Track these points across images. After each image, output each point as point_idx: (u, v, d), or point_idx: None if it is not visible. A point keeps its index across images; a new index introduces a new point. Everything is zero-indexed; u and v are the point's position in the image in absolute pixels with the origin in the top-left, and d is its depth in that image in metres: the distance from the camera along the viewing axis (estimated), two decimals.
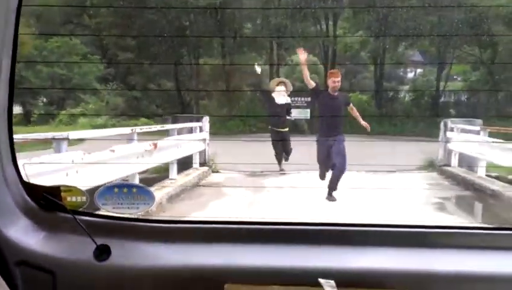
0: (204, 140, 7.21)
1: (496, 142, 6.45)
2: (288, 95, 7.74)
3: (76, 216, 1.14)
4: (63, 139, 4.26)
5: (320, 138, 6.10)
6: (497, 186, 6.03)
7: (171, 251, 1.13)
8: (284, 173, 6.92)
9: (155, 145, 5.65)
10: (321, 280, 1.03)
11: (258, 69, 8.57)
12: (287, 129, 7.80)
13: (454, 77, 19.72)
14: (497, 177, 6.50)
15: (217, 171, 7.12)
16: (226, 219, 1.24)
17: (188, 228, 1.21)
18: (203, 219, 1.23)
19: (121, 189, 1.20)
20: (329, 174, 5.93)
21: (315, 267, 1.08)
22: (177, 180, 6.40)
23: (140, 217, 1.20)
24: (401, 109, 16.44)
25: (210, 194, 5.77)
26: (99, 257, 1.10)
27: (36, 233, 1.13)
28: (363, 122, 6.18)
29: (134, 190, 1.20)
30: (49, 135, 4.47)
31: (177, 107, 18.47)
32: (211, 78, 18.74)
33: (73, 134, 4.64)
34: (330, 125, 5.90)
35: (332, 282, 1.03)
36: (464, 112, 16.43)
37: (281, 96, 7.39)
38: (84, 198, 1.16)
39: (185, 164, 6.61)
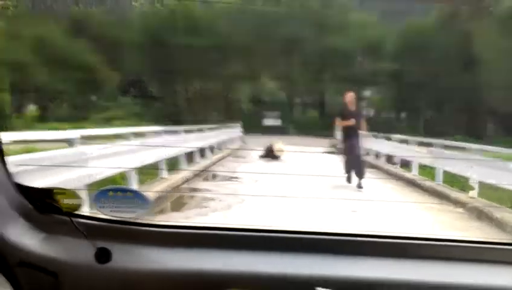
0: (241, 131, 14.54)
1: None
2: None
3: (73, 218, 1.06)
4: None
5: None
6: None
7: (171, 255, 1.06)
8: None
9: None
10: (319, 289, 0.99)
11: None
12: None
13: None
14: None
15: (246, 144, 14.49)
16: (225, 225, 1.18)
17: (187, 233, 1.14)
18: (203, 225, 1.19)
19: (116, 193, 1.11)
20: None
21: (313, 275, 1.02)
22: (235, 145, 13.70)
23: (138, 221, 1.12)
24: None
25: (247, 148, 12.93)
26: (100, 259, 1.03)
27: (35, 235, 1.05)
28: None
29: (129, 194, 1.12)
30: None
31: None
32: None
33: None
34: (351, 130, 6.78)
35: None
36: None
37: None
38: (79, 200, 1.07)
39: (235, 140, 14.02)
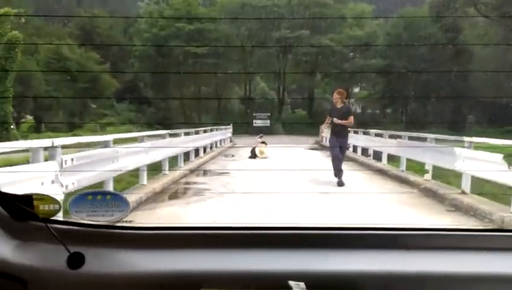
0: (231, 132, 15.78)
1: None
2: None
3: (49, 224, 1.04)
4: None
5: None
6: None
7: (146, 257, 1.05)
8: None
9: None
10: (291, 283, 0.98)
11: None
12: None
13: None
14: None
15: (235, 144, 15.61)
16: (200, 225, 1.22)
17: (162, 234, 1.14)
18: (177, 225, 1.18)
19: (95, 196, 1.11)
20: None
21: (288, 270, 1.02)
22: (226, 144, 15.12)
23: (115, 224, 1.12)
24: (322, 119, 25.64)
25: (236, 149, 14.07)
26: (73, 265, 1.01)
27: (8, 242, 1.03)
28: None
29: (109, 197, 1.12)
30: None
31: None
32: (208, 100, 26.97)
33: None
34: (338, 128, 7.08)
35: (302, 284, 0.98)
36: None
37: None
38: (56, 206, 1.06)
39: (226, 140, 15.25)
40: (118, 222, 1.12)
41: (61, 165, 3.60)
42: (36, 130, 25.00)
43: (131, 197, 5.36)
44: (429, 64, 24.69)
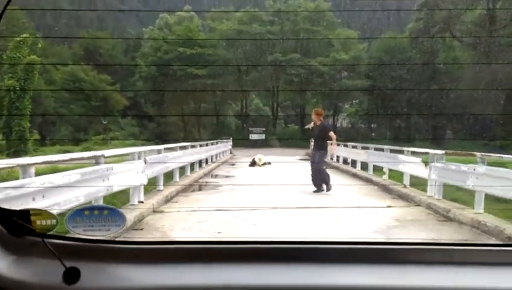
0: (231, 145, 18.54)
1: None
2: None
3: (46, 239, 1.06)
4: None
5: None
6: None
7: (142, 272, 1.08)
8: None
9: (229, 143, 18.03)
10: None
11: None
12: None
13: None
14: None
15: (235, 155, 18.41)
16: (196, 239, 1.26)
17: (158, 248, 1.16)
18: (173, 240, 1.24)
19: (92, 211, 1.14)
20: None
21: (286, 285, 1.05)
22: (227, 155, 17.78)
23: (111, 239, 1.15)
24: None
25: (236, 158, 16.90)
26: (69, 280, 1.02)
27: (4, 257, 1.05)
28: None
29: (105, 212, 1.15)
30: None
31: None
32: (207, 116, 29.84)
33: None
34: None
35: None
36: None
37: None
38: (54, 221, 1.09)
39: (227, 152, 17.99)
40: (114, 236, 1.16)
41: (145, 163, 6.25)
42: (42, 144, 27.57)
43: (173, 188, 8.02)
44: (409, 83, 27.90)
